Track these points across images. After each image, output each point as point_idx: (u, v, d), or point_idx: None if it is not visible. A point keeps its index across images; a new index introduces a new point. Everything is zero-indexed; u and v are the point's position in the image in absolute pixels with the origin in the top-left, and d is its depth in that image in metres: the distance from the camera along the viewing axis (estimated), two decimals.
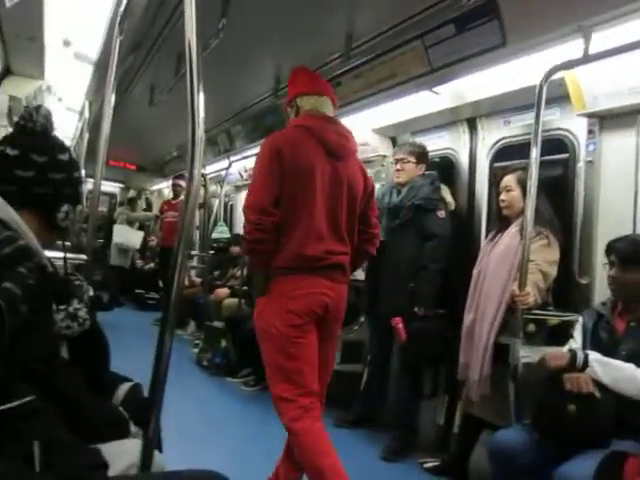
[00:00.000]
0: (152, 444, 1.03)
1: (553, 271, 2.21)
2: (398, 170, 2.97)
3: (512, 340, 2.02)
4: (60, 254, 1.33)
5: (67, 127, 4.99)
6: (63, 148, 1.19)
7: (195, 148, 1.02)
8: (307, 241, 1.84)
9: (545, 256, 2.19)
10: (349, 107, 3.23)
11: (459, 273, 2.87)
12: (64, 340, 1.18)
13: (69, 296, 1.18)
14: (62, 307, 1.15)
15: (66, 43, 2.92)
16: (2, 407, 0.67)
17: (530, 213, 2.01)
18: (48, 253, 1.20)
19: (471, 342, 2.34)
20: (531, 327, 2.16)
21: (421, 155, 2.95)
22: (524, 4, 1.94)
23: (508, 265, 2.22)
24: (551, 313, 2.24)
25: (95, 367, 1.26)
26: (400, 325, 2.73)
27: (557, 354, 1.81)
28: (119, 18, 1.90)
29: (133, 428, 1.21)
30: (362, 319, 3.48)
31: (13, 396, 0.70)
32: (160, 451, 1.26)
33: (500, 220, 2.46)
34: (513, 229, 2.32)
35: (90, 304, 1.26)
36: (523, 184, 2.27)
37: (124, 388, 1.33)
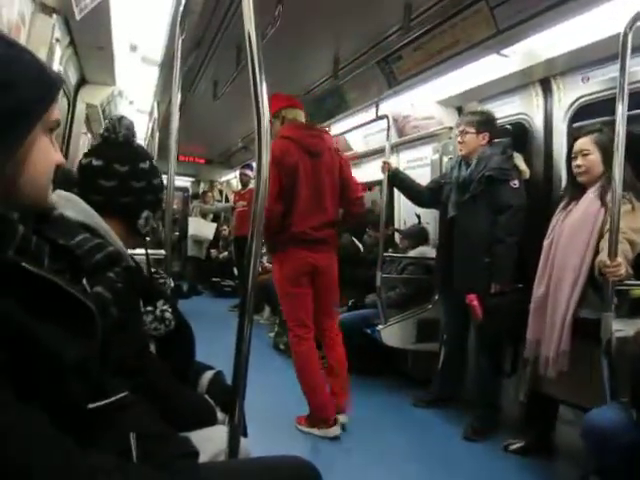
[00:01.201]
0: (238, 430, 1.04)
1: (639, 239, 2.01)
2: (460, 142, 2.86)
3: (603, 314, 1.87)
4: (142, 251, 1.40)
5: (139, 128, 5.26)
6: (145, 157, 1.24)
7: (262, 137, 1.02)
8: (295, 221, 2.58)
9: (630, 223, 1.99)
10: (411, 81, 3.14)
11: (537, 245, 2.73)
12: (152, 339, 1.23)
13: (155, 297, 1.23)
14: (150, 309, 1.20)
15: (133, 48, 3.06)
16: (100, 403, 0.71)
17: (618, 175, 1.83)
18: (131, 250, 1.28)
19: (543, 317, 2.20)
20: (637, 291, 2.00)
21: (481, 124, 2.79)
22: None
23: (586, 234, 2.05)
24: (634, 283, 2.06)
25: (182, 359, 1.31)
26: (475, 302, 2.63)
27: None
28: (179, 18, 1.96)
29: (219, 415, 1.26)
30: (436, 297, 3.41)
31: (109, 393, 0.74)
32: (245, 436, 1.29)
33: (574, 186, 2.25)
34: (591, 194, 2.13)
35: (173, 297, 1.32)
36: (602, 146, 2.08)
37: (207, 376, 1.37)
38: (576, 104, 2.62)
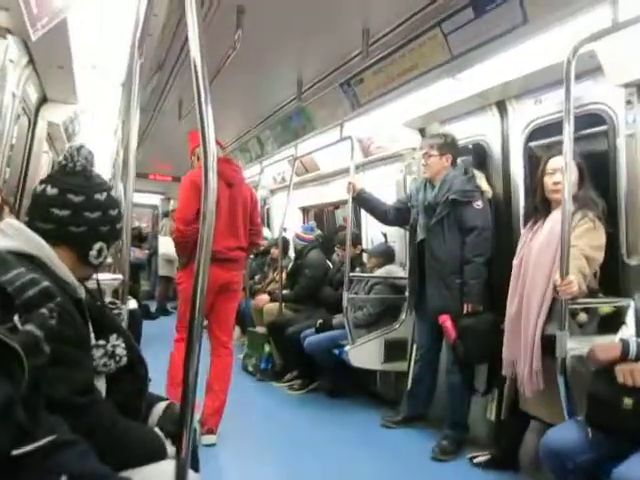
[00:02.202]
0: (185, 465, 1.00)
1: (599, 256, 2.06)
2: (424, 165, 2.91)
3: (558, 332, 1.91)
4: (101, 276, 1.36)
5: (104, 146, 5.18)
6: (102, 188, 1.21)
7: (207, 161, 1.01)
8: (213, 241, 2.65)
9: (589, 240, 2.04)
10: (373, 103, 3.20)
11: (503, 264, 2.77)
12: (101, 375, 1.18)
13: (107, 330, 1.20)
14: (101, 342, 1.16)
15: (94, 67, 3.03)
16: (26, 449, 0.68)
17: (568, 194, 1.89)
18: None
19: (517, 336, 2.23)
20: (582, 316, 2.04)
21: (444, 146, 2.87)
22: None
23: (552, 252, 2.09)
24: (600, 300, 2.12)
25: (133, 395, 1.27)
26: (448, 323, 2.65)
27: (607, 345, 1.70)
28: (137, 41, 1.96)
29: (170, 449, 1.21)
30: (404, 317, 3.43)
31: (36, 437, 0.71)
32: (196, 471, 1.26)
33: (542, 205, 2.29)
34: (556, 214, 2.18)
35: (136, 321, 1.28)
36: (578, 165, 2.14)
37: (159, 408, 1.34)
38: (531, 125, 2.70)
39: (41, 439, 0.72)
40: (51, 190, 1.15)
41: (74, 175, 1.18)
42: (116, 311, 1.50)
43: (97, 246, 1.19)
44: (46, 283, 0.88)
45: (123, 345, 1.20)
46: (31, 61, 2.87)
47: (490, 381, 2.79)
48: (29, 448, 0.69)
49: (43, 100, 3.53)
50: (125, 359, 1.20)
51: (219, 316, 2.95)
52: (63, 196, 1.15)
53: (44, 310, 0.81)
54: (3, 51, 2.21)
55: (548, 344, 2.03)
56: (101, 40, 2.84)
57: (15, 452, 0.66)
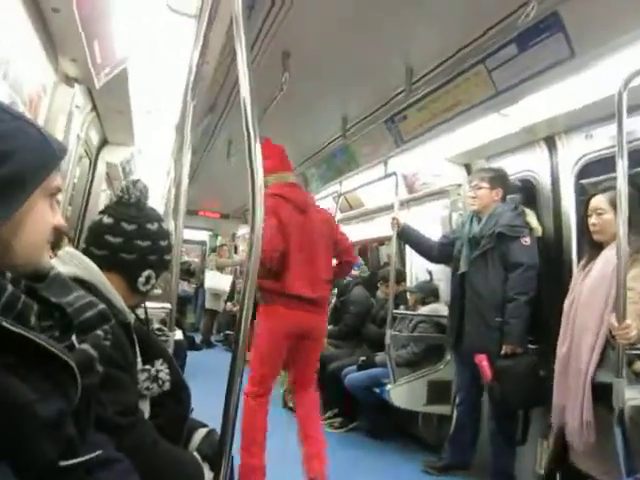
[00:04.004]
0: None
1: None
2: (472, 197, 2.87)
3: (615, 380, 1.77)
4: (150, 304, 1.41)
5: (158, 185, 5.45)
6: (154, 219, 1.27)
7: (255, 197, 1.04)
8: (288, 278, 2.52)
9: None
10: (417, 139, 3.22)
11: (551, 303, 2.65)
12: (146, 398, 1.21)
13: (153, 355, 1.23)
14: (147, 367, 1.20)
15: (149, 112, 3.24)
16: (71, 462, 0.70)
17: (623, 233, 1.80)
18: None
19: (566, 381, 2.09)
20: (638, 365, 1.90)
21: (495, 179, 2.82)
22: (589, 11, 1.82)
23: (603, 293, 1.97)
24: None
25: (175, 419, 1.29)
26: (484, 363, 2.53)
27: None
28: (190, 86, 2.08)
29: (208, 475, 1.22)
30: (448, 357, 3.31)
31: (82, 451, 0.73)
32: None
33: (591, 245, 2.20)
34: (607, 253, 2.07)
35: (181, 351, 1.31)
36: (616, 205, 2.06)
37: (199, 435, 1.35)
38: (581, 161, 2.62)
39: (87, 454, 0.74)
40: (107, 219, 1.23)
41: (128, 206, 1.25)
42: (163, 338, 1.54)
43: (145, 274, 1.23)
44: (103, 306, 0.92)
45: (167, 370, 1.23)
46: (94, 107, 3.11)
47: (525, 430, 2.62)
48: (75, 461, 0.70)
49: (104, 142, 3.78)
50: (168, 384, 1.23)
51: (303, 368, 2.67)
52: (117, 224, 1.22)
53: (99, 332, 0.85)
54: (70, 98, 2.39)
55: (600, 393, 1.89)
56: (156, 86, 3.04)
57: (62, 463, 0.68)
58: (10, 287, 0.70)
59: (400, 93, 2.86)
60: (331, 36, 2.38)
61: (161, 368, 1.22)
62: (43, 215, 0.75)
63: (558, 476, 2.26)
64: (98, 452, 0.78)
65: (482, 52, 2.25)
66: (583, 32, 1.88)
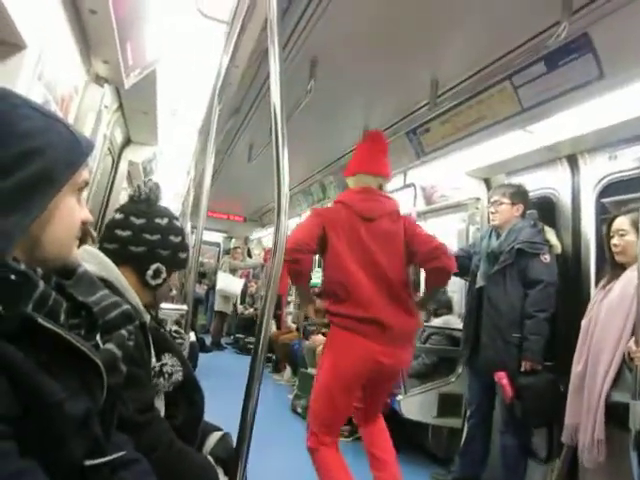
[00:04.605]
0: None
1: None
2: (493, 213, 2.86)
3: (632, 402, 1.77)
4: (166, 305, 1.42)
5: (177, 186, 5.51)
6: (163, 214, 1.30)
7: (281, 202, 1.06)
8: (354, 297, 2.19)
9: None
10: (438, 152, 3.22)
11: (568, 321, 2.63)
12: (159, 396, 1.23)
13: (159, 352, 1.24)
14: (156, 364, 1.21)
15: (174, 114, 3.29)
16: (97, 461, 0.71)
17: None
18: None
19: (580, 400, 2.09)
20: None
21: (516, 195, 2.81)
22: (620, 33, 1.82)
23: (623, 314, 1.97)
24: None
25: (188, 420, 1.30)
26: (505, 381, 2.51)
27: None
28: (218, 90, 2.12)
29: (222, 478, 1.23)
30: (460, 370, 3.29)
31: (108, 451, 0.75)
32: None
33: (613, 265, 2.21)
34: (629, 274, 2.06)
35: (192, 351, 1.33)
36: (638, 226, 2.06)
37: (214, 438, 1.36)
38: (604, 181, 2.61)
39: (112, 454, 0.75)
40: (118, 215, 1.28)
41: (139, 202, 1.30)
42: (179, 340, 1.56)
43: (154, 267, 1.25)
44: (127, 306, 0.93)
45: (171, 363, 1.24)
46: (120, 106, 3.17)
47: (551, 446, 2.60)
48: (101, 460, 0.71)
49: (127, 141, 3.84)
50: (175, 377, 1.24)
51: (375, 402, 2.37)
52: (126, 219, 1.26)
53: (124, 331, 0.86)
54: (100, 98, 2.44)
55: (614, 412, 1.89)
56: (182, 88, 3.09)
57: (88, 463, 0.69)
58: (42, 284, 0.70)
59: (424, 106, 2.86)
60: (360, 45, 2.40)
61: (165, 362, 1.23)
62: (71, 210, 0.76)
63: None
64: (121, 453, 0.79)
65: (509, 69, 2.25)
66: (613, 54, 1.88)
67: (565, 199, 2.83)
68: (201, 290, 7.99)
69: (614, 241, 2.15)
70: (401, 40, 2.32)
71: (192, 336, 3.47)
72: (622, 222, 2.14)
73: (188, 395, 1.32)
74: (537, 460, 2.64)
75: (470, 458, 2.93)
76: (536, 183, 3.00)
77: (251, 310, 7.64)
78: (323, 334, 4.82)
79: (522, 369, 2.53)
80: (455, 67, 2.51)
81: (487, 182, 3.42)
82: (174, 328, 1.69)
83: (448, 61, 2.49)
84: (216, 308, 7.63)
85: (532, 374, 2.52)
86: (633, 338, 1.82)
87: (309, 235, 2.15)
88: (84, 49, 2.17)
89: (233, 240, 9.67)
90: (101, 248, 1.24)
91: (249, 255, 8.83)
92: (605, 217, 2.48)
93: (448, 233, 3.73)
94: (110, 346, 0.81)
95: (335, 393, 2.13)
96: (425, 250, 2.19)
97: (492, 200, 2.88)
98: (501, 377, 2.54)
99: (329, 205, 2.45)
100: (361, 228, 2.19)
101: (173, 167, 4.80)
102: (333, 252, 2.19)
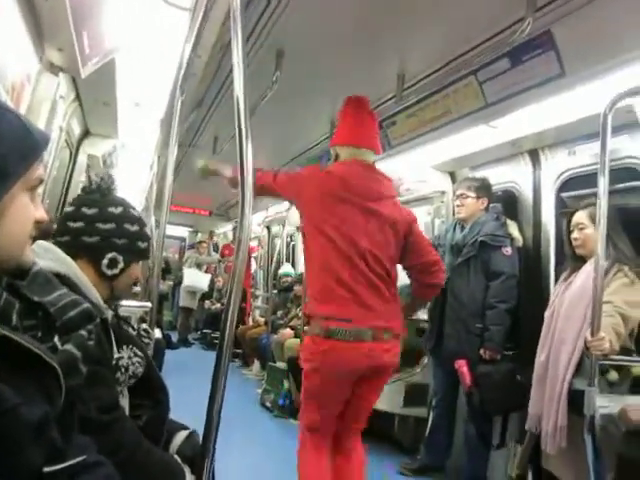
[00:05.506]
0: None
1: (636, 313, 1.98)
2: (458, 206, 2.91)
3: (587, 389, 1.83)
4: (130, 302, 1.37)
5: (139, 180, 5.36)
6: (117, 203, 1.26)
7: (245, 195, 1.04)
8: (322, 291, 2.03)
9: (626, 296, 1.98)
10: (404, 145, 3.24)
11: (528, 312, 2.71)
12: (124, 396, 1.21)
13: (118, 345, 1.21)
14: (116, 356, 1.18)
15: (137, 105, 3.18)
16: (56, 467, 0.68)
17: (601, 248, 1.86)
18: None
19: (543, 389, 2.15)
20: (613, 375, 1.95)
21: (481, 189, 2.87)
22: (581, 32, 1.87)
23: (583, 306, 2.03)
24: (633, 359, 2.02)
25: (153, 420, 1.28)
26: (464, 369, 2.58)
27: None
28: (180, 81, 2.05)
29: (189, 477, 1.22)
30: (425, 360, 3.34)
31: (67, 456, 0.71)
32: None
33: (574, 259, 2.27)
34: (589, 266, 2.13)
35: (145, 352, 1.29)
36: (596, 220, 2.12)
37: (180, 437, 1.35)
38: (563, 175, 2.69)
39: (72, 459, 0.72)
40: (70, 208, 1.24)
41: (91, 193, 1.26)
42: (146, 340, 1.52)
43: (109, 256, 1.21)
44: (87, 305, 0.90)
45: (127, 356, 1.21)
46: (77, 97, 3.04)
47: (504, 434, 2.69)
48: (60, 466, 0.68)
49: (85, 133, 3.70)
50: (133, 369, 1.21)
51: (358, 409, 2.05)
52: (78, 210, 1.22)
53: (83, 331, 0.83)
54: (55, 87, 2.33)
55: (575, 400, 1.96)
56: (144, 79, 2.99)
57: (46, 470, 0.66)
58: None
59: (390, 99, 2.87)
60: (326, 37, 2.37)
61: (122, 355, 1.19)
62: (24, 209, 0.72)
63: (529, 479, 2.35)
64: (81, 458, 0.76)
65: (475, 64, 2.27)
66: (574, 52, 1.92)
67: (527, 193, 2.91)
68: (165, 286, 7.84)
69: (574, 235, 2.22)
70: (368, 33, 2.31)
71: (157, 333, 3.41)
72: (581, 216, 2.20)
73: (152, 394, 1.30)
74: (492, 447, 2.73)
75: (435, 447, 3.01)
76: (499, 177, 3.07)
77: (218, 305, 7.55)
78: (291, 328, 4.81)
79: (482, 358, 2.62)
80: (421, 61, 2.52)
81: (452, 175, 3.47)
82: (143, 326, 1.65)
83: (414, 55, 2.50)
84: (181, 304, 7.51)
85: (491, 363, 2.60)
86: (589, 328, 1.88)
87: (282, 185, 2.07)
88: (36, 36, 2.05)
89: (199, 234, 9.51)
90: (55, 243, 1.19)
91: (215, 250, 8.71)
92: (564, 211, 2.56)
93: None
94: (69, 347, 0.78)
95: (316, 392, 2.00)
96: (425, 261, 2.05)
97: (458, 193, 2.93)
98: (461, 365, 2.61)
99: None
100: (359, 219, 1.94)
101: (136, 161, 4.67)
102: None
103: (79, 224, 1.20)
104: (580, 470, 1.88)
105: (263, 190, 2.09)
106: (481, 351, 2.63)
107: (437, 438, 3.00)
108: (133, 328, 1.45)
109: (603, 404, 1.81)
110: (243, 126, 1.07)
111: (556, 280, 2.58)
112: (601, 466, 1.78)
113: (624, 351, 1.99)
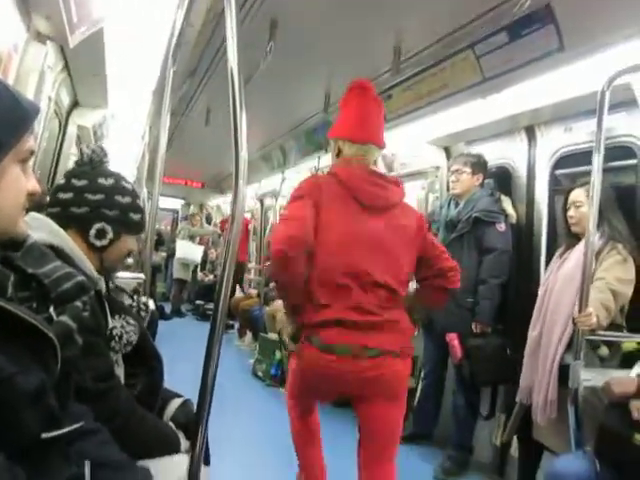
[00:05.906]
0: (199, 458, 1.06)
1: (627, 290, 2.01)
2: (454, 182, 2.91)
3: (572, 362, 1.89)
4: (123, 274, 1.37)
5: (131, 151, 5.29)
6: (108, 175, 1.26)
7: (239, 167, 1.03)
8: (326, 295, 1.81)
9: (618, 273, 2.01)
10: (400, 119, 3.20)
11: (519, 287, 2.75)
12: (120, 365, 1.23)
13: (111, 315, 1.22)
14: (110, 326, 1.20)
15: (126, 75, 3.11)
16: (53, 433, 0.70)
17: (592, 225, 1.88)
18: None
19: (535, 362, 2.21)
20: (603, 350, 2.00)
21: (477, 165, 2.86)
22: (581, 6, 1.84)
23: (577, 283, 2.04)
24: (621, 335, 2.06)
25: (148, 387, 1.30)
26: (455, 342, 2.64)
27: (623, 379, 1.68)
28: (172, 50, 2.00)
29: (184, 443, 1.25)
30: (415, 333, 3.39)
31: (64, 423, 0.73)
32: (207, 464, 1.29)
33: (569, 236, 2.29)
34: (583, 245, 2.16)
35: (138, 321, 1.31)
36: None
37: (174, 404, 1.37)
38: (559, 153, 2.67)
39: (69, 426, 0.74)
40: (61, 180, 1.25)
41: (82, 165, 1.26)
42: (143, 313, 1.53)
43: (97, 226, 1.21)
44: (81, 277, 0.90)
45: (120, 325, 1.22)
46: (66, 67, 2.96)
47: (493, 405, 2.77)
48: (57, 433, 0.70)
49: (74, 104, 3.62)
50: (127, 337, 1.22)
51: (370, 446, 1.80)
52: (68, 182, 1.23)
53: (78, 303, 0.84)
54: (42, 57, 2.27)
55: (564, 374, 2.00)
56: (134, 49, 2.91)
57: (44, 436, 0.68)
58: None
59: (386, 72, 2.83)
60: (321, 7, 2.32)
61: (115, 325, 1.20)
62: (16, 180, 0.72)
63: (517, 448, 2.46)
64: (77, 425, 0.78)
65: (472, 37, 2.24)
66: (574, 27, 1.90)
67: (521, 170, 2.90)
68: (158, 258, 7.83)
69: (570, 213, 2.22)
70: (364, 4, 2.26)
71: (151, 304, 3.43)
72: (578, 194, 2.20)
73: (147, 362, 1.32)
74: (480, 417, 2.82)
75: (423, 416, 3.10)
76: (494, 153, 3.05)
77: (211, 277, 7.57)
78: None
79: (473, 331, 2.66)
80: (418, 34, 2.48)
81: (447, 151, 3.45)
82: (142, 299, 1.65)
83: (411, 28, 2.45)
84: (175, 276, 7.54)
85: (481, 336, 2.65)
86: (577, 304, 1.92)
87: (302, 226, 1.65)
88: (22, 4, 1.98)
89: (192, 207, 9.46)
90: (47, 214, 1.20)
91: (208, 222, 8.67)
92: (561, 188, 2.57)
93: (408, 201, 3.75)
94: (64, 318, 0.79)
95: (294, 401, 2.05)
96: (442, 267, 1.87)
97: (453, 169, 2.92)
98: (452, 338, 2.66)
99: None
100: (362, 218, 1.75)
101: (128, 132, 4.58)
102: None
103: (69, 195, 1.21)
104: (565, 438, 1.94)
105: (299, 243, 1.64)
106: (472, 325, 2.68)
107: (426, 408, 3.08)
108: (132, 299, 1.47)
109: (587, 377, 1.86)
110: (237, 97, 1.06)
111: (547, 257, 2.61)
112: (583, 436, 1.85)
113: (614, 327, 2.04)
